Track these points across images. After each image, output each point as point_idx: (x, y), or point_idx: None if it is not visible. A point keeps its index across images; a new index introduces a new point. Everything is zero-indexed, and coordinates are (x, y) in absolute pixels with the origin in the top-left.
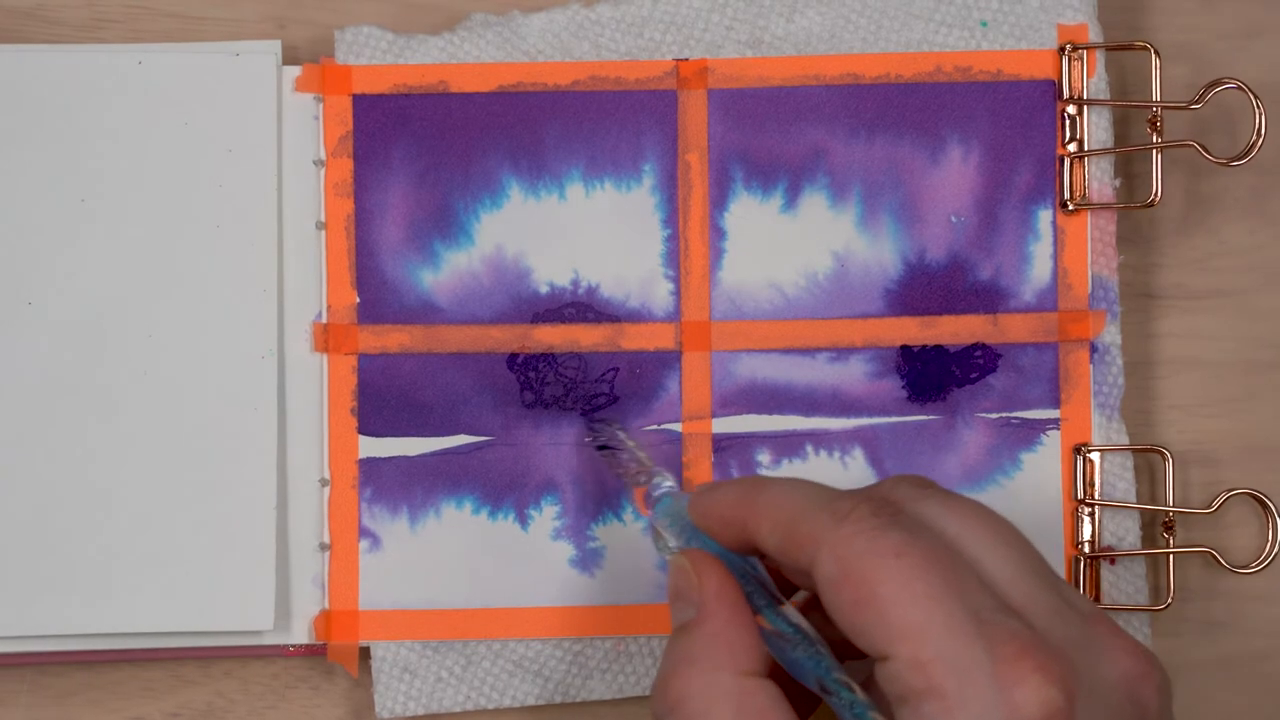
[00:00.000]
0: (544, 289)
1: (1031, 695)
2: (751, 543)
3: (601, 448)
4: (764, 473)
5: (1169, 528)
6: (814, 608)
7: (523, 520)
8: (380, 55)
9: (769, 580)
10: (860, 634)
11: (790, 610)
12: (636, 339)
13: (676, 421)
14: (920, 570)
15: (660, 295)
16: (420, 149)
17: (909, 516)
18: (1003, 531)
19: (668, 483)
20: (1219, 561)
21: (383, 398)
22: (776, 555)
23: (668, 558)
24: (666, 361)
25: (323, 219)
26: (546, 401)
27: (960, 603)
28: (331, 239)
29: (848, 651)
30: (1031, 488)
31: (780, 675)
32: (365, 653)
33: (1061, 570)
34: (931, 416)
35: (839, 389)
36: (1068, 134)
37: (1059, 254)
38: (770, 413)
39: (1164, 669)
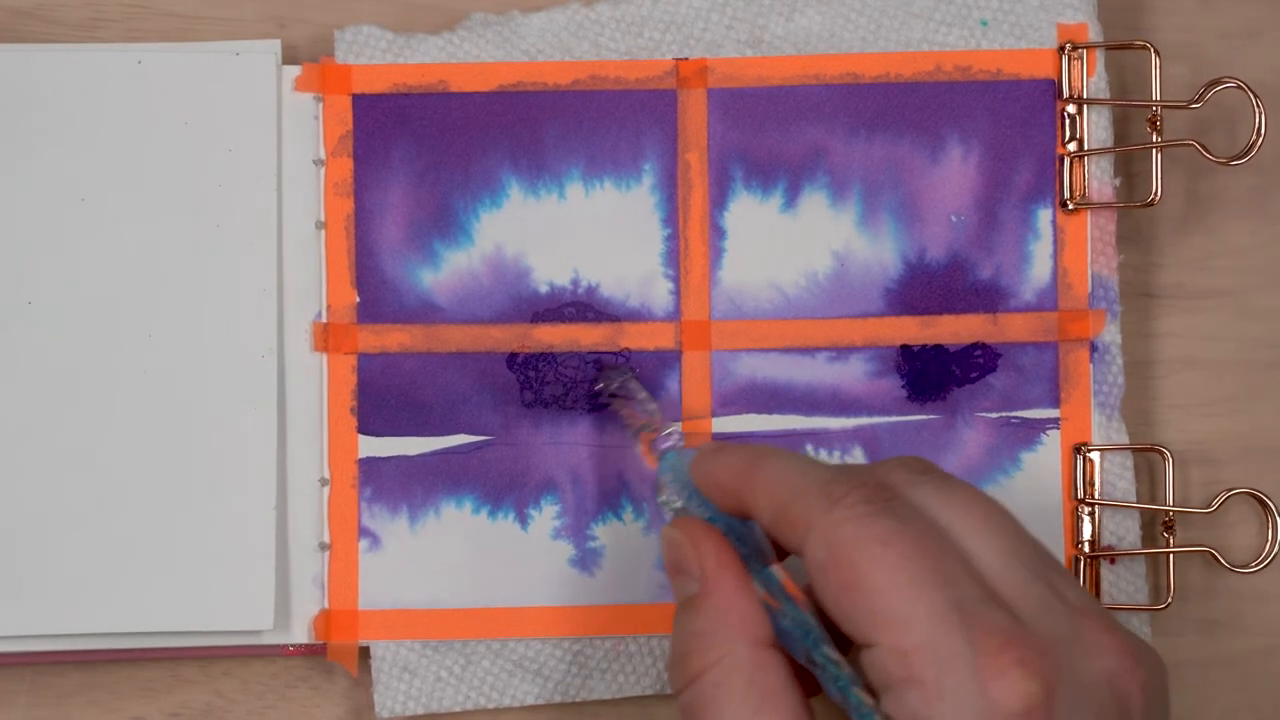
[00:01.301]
0: (544, 288)
1: (1010, 688)
2: (748, 513)
3: (612, 395)
4: None
5: (1169, 527)
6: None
7: (522, 520)
8: (380, 55)
9: (767, 545)
10: (847, 620)
11: (785, 578)
12: (636, 338)
13: (677, 421)
14: (907, 559)
15: (660, 295)
16: (420, 149)
17: (902, 502)
18: (997, 520)
19: (675, 436)
20: (1219, 561)
21: (383, 397)
22: (770, 531)
23: (667, 515)
24: (666, 361)
25: (323, 219)
26: (546, 401)
27: (945, 593)
28: (331, 239)
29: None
30: (1031, 487)
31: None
32: (365, 652)
33: None
34: (931, 416)
35: (839, 388)
36: (1067, 133)
37: (1059, 253)
38: (770, 412)
39: (1154, 666)
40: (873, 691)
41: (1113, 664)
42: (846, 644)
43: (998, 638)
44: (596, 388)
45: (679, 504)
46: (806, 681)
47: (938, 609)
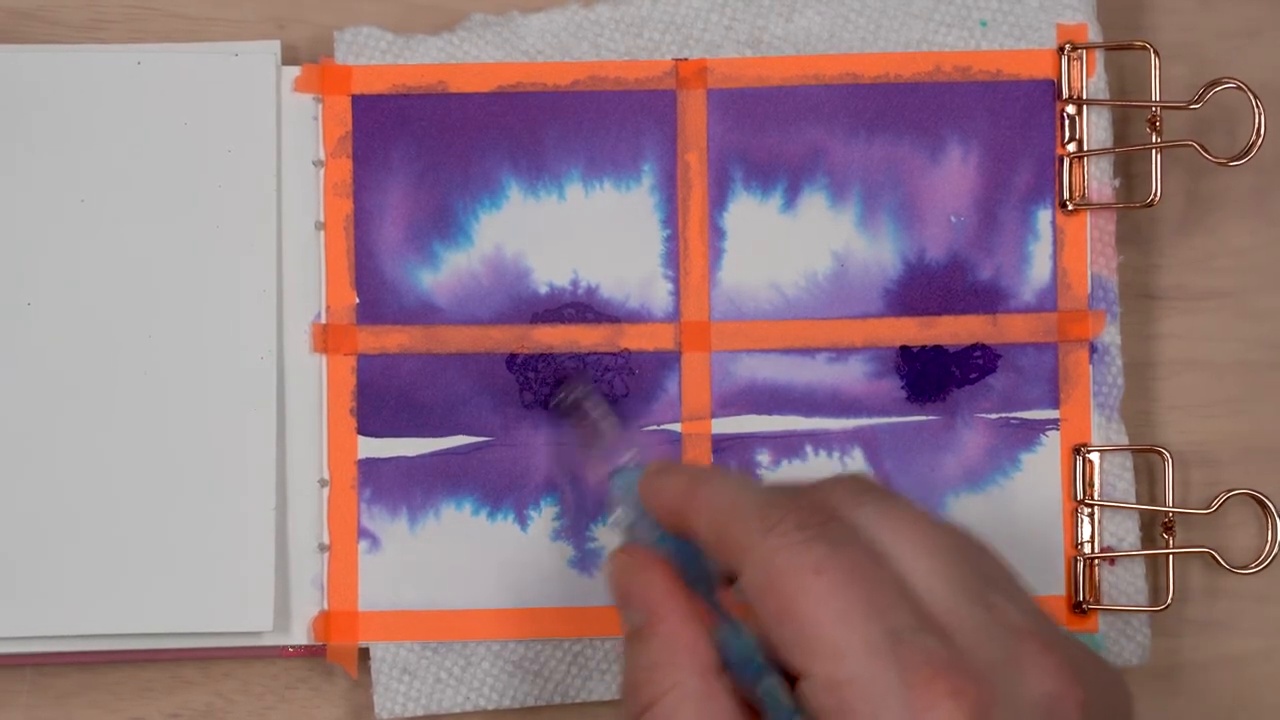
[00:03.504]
0: (543, 289)
1: (943, 719)
2: (691, 535)
3: (568, 410)
4: (764, 473)
5: (1169, 528)
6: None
7: (522, 521)
8: (380, 55)
9: (714, 569)
10: (783, 648)
11: (731, 605)
12: (636, 339)
13: (676, 422)
14: (839, 588)
15: (660, 295)
16: (419, 149)
17: (839, 526)
18: (936, 541)
19: (628, 453)
20: (1219, 562)
21: (382, 398)
22: (711, 554)
23: (619, 535)
24: (666, 362)
25: (322, 219)
26: (546, 402)
27: (878, 623)
28: (331, 239)
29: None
30: (1031, 488)
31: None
32: (364, 653)
33: (1061, 571)
34: (931, 417)
35: (839, 389)
36: (1067, 134)
37: (1058, 254)
38: (770, 413)
39: (1101, 684)
40: None
41: (1050, 685)
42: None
43: (930, 667)
44: (553, 403)
45: (630, 522)
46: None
47: (869, 640)
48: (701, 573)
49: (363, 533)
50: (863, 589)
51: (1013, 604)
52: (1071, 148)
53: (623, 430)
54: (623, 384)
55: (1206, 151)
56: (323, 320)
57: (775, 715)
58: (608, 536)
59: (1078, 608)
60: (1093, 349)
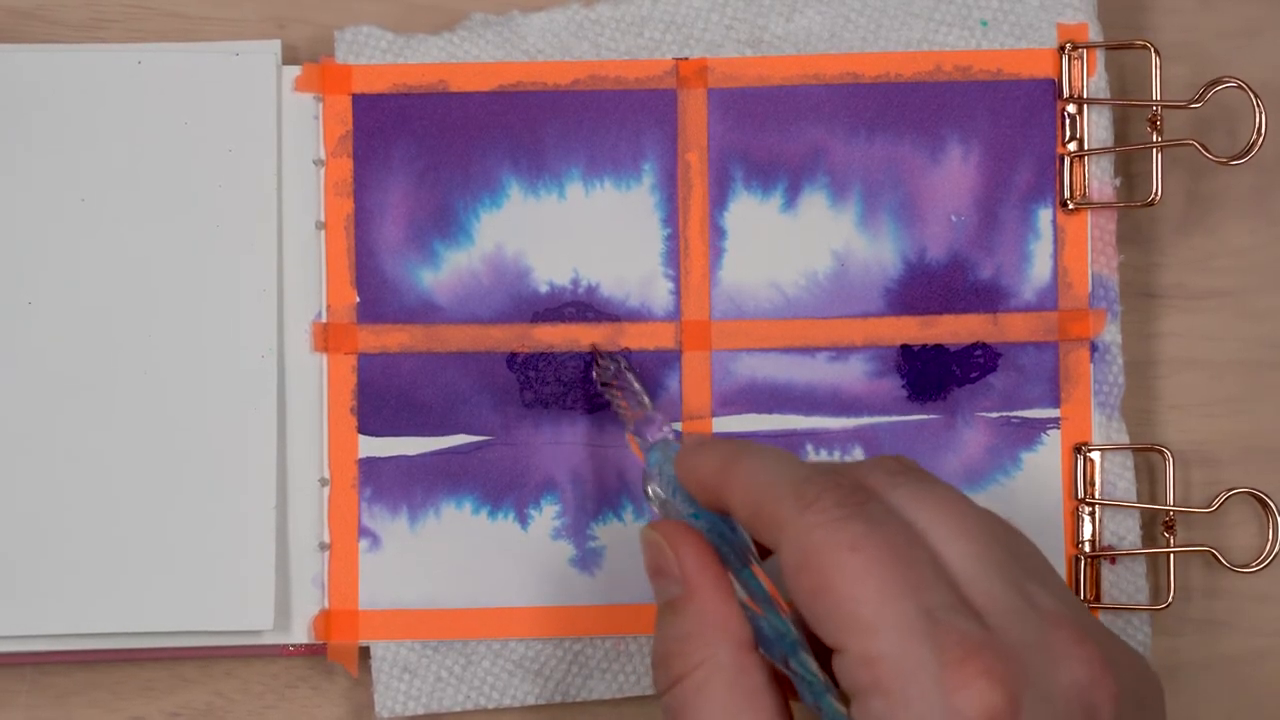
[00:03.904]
0: (544, 288)
1: (974, 698)
2: (727, 510)
3: (604, 385)
4: None
5: (1169, 527)
6: None
7: (522, 520)
8: (380, 55)
9: (749, 543)
10: (817, 623)
11: (766, 581)
12: (636, 338)
13: (677, 421)
14: (875, 565)
15: (660, 294)
16: (420, 149)
17: (876, 505)
18: (972, 523)
19: (666, 428)
20: (1219, 561)
21: (382, 397)
22: (747, 529)
23: (654, 510)
24: (666, 361)
25: (322, 219)
26: (546, 401)
27: (913, 600)
28: (331, 239)
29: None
30: (1032, 487)
31: None
32: (365, 652)
33: (1062, 570)
34: (931, 416)
35: (839, 388)
36: (1068, 133)
37: (1059, 253)
38: (770, 412)
39: (1135, 676)
40: (845, 698)
41: (1082, 674)
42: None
43: (963, 647)
44: (592, 375)
45: (665, 497)
46: (788, 682)
47: (904, 617)
48: (736, 548)
49: (363, 532)
50: (899, 567)
51: (1048, 591)
52: (1072, 147)
53: (662, 410)
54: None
55: (1207, 151)
56: (323, 319)
57: (808, 690)
58: (612, 533)
59: None
60: (1093, 348)
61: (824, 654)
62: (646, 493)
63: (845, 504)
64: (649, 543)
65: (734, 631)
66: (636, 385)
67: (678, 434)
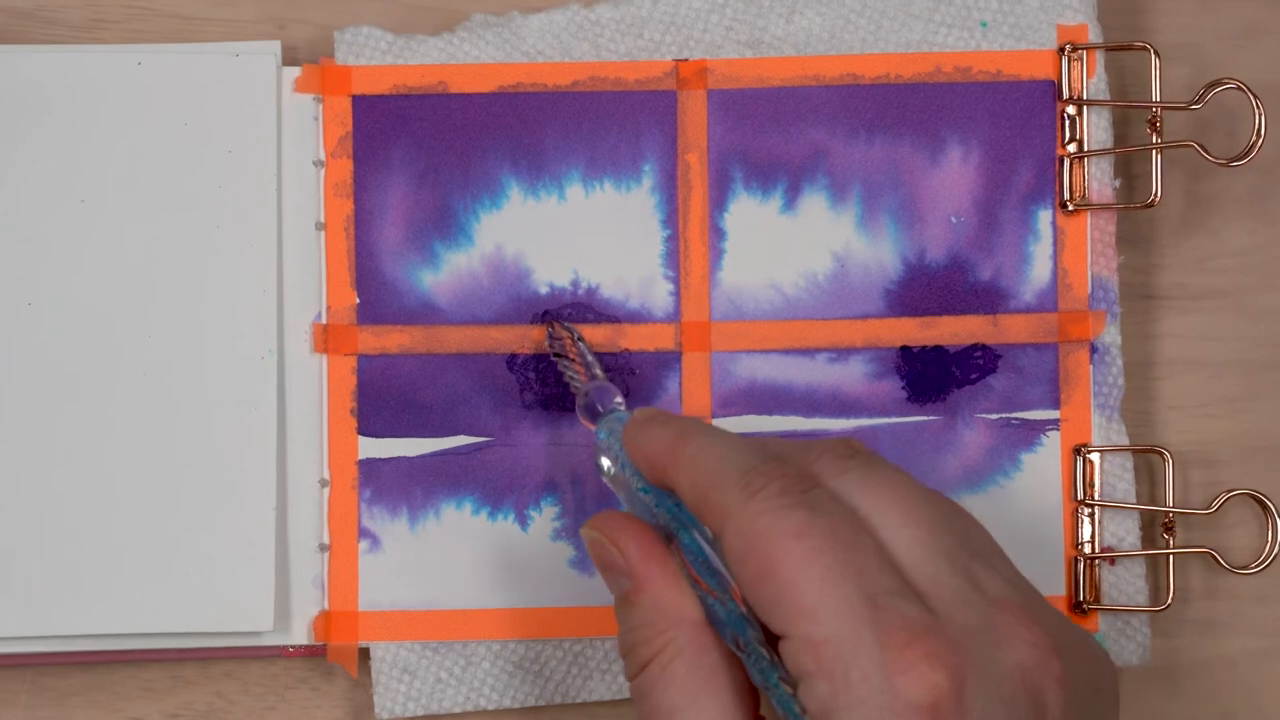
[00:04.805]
0: (544, 289)
1: (917, 681)
2: (673, 490)
3: (556, 355)
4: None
5: (1169, 528)
6: None
7: (522, 521)
8: (380, 56)
9: (699, 523)
10: (762, 610)
11: (715, 560)
12: (636, 340)
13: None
14: (819, 552)
15: (660, 296)
16: (420, 150)
17: (821, 493)
18: (920, 509)
19: (615, 399)
20: (1219, 562)
21: (382, 398)
22: (693, 511)
23: (605, 482)
24: (666, 362)
25: (322, 220)
26: (546, 402)
27: (855, 586)
28: (331, 240)
29: None
30: (1031, 488)
31: None
32: (365, 653)
33: (1061, 571)
34: (931, 417)
35: (839, 389)
36: (1068, 134)
37: (1059, 254)
38: (770, 413)
39: (1083, 659)
40: (793, 681)
41: (1028, 657)
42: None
43: (906, 631)
44: (545, 345)
45: (615, 471)
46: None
47: (846, 602)
48: (685, 522)
49: (363, 533)
50: (842, 553)
51: (994, 573)
52: (1072, 148)
53: (610, 378)
54: (623, 384)
55: (1206, 152)
56: (323, 320)
57: (758, 671)
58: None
59: (1078, 608)
60: (1093, 349)
61: (774, 638)
62: (599, 465)
63: (790, 492)
64: (590, 540)
65: (688, 613)
66: (589, 355)
67: (626, 409)
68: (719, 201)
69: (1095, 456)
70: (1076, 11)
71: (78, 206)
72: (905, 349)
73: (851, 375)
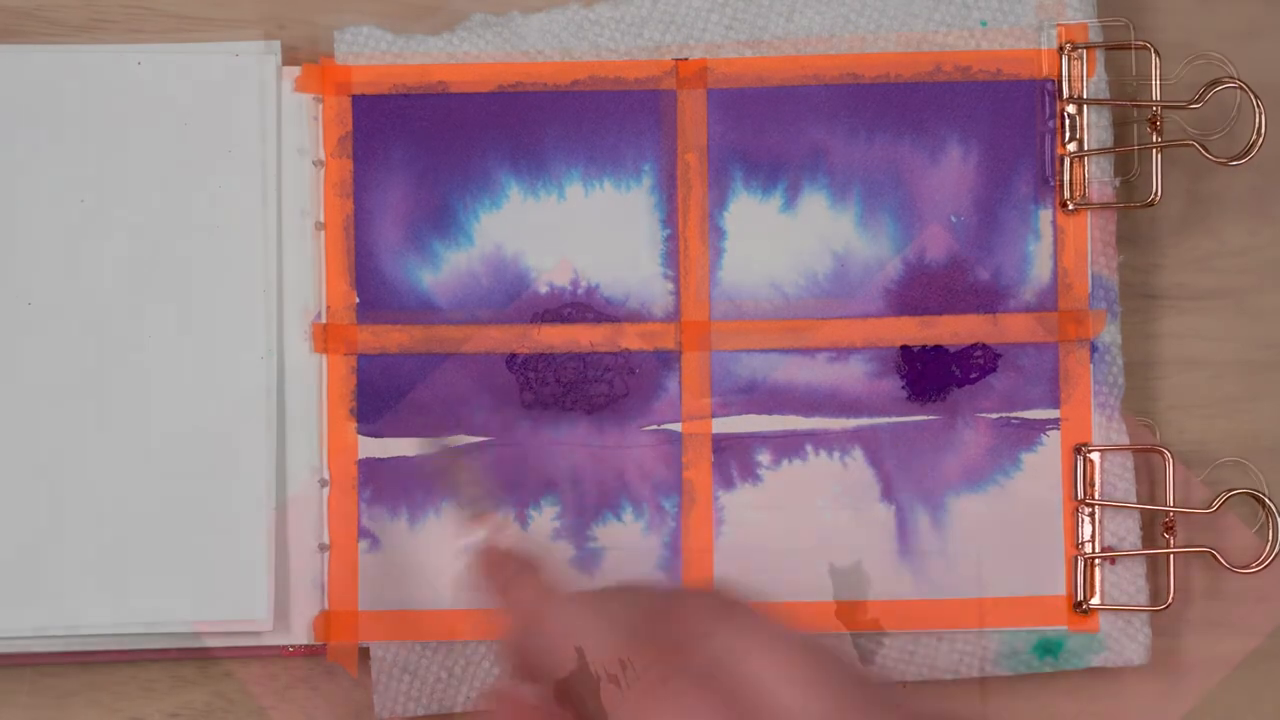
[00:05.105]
0: (543, 289)
1: None
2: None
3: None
4: (764, 472)
5: (1169, 528)
6: None
7: (522, 520)
8: (379, 56)
9: None
10: None
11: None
12: (636, 339)
13: (676, 421)
14: None
15: (660, 295)
16: (419, 149)
17: (690, 670)
18: (793, 667)
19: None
20: (1219, 562)
21: (382, 398)
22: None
23: None
24: (666, 361)
25: (322, 219)
26: (546, 401)
27: None
28: (331, 239)
29: None
30: (1032, 488)
31: None
32: (365, 653)
33: (1062, 571)
34: (931, 416)
35: (839, 389)
36: (1068, 134)
37: (1059, 254)
38: (770, 413)
39: None
40: None
41: None
42: None
43: None
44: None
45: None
46: None
47: None
48: None
49: (363, 533)
50: None
51: (879, 709)
52: (1072, 147)
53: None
54: (623, 384)
55: (1207, 151)
56: (323, 320)
57: None
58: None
59: (1078, 607)
60: (1093, 348)
61: None
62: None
63: (658, 667)
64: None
65: None
66: (475, 488)
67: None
68: (719, 200)
69: (1095, 456)
70: (1076, 11)
71: (78, 206)
72: (905, 348)
73: (851, 374)
